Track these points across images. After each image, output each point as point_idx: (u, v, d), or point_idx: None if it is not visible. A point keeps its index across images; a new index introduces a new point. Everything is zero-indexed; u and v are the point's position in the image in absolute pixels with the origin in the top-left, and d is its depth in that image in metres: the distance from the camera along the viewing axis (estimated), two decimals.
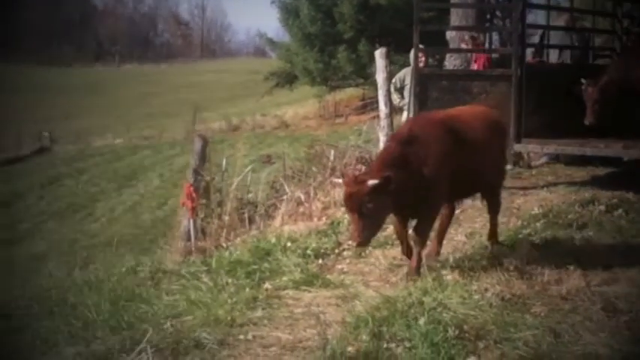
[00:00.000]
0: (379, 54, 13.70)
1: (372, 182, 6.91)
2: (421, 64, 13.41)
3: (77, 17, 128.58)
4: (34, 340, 6.54)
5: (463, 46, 15.19)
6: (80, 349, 6.06)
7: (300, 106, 53.40)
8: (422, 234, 7.77)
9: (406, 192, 7.29)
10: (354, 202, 6.96)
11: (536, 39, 15.24)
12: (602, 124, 11.90)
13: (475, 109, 9.21)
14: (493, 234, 8.90)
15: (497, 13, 34.04)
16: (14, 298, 8.95)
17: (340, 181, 7.55)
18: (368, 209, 6.92)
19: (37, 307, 7.72)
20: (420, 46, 13.00)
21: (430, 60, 15.24)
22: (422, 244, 7.80)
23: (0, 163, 45.19)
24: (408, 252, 7.91)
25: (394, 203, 7.29)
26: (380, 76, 13.54)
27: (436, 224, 8.38)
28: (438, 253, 8.41)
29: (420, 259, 7.73)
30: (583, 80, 11.82)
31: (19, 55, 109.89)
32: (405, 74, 14.20)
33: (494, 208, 8.94)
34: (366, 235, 7.11)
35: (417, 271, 7.65)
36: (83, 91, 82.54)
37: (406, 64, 14.79)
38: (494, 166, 8.67)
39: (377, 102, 14.50)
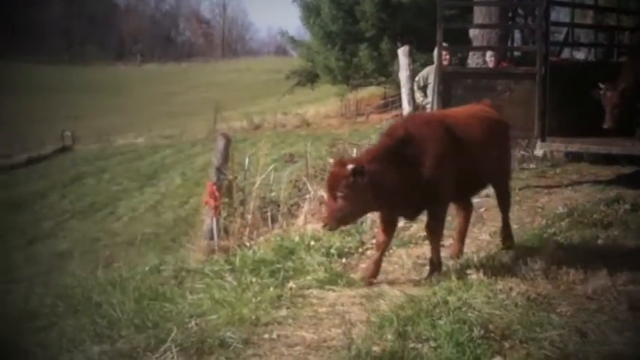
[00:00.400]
0: (402, 52, 13.66)
1: (351, 166, 7.01)
2: (445, 63, 13.37)
3: (99, 16, 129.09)
4: (60, 339, 6.55)
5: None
6: (106, 347, 6.06)
7: (322, 104, 53.40)
8: (434, 229, 7.84)
9: (400, 191, 7.35)
10: (332, 182, 7.11)
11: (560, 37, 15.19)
12: (620, 127, 11.86)
13: (474, 108, 9.10)
14: (507, 236, 8.91)
15: (520, 11, 34.01)
16: (39, 297, 8.99)
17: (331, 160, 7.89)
18: (342, 192, 7.00)
19: (62, 306, 7.72)
20: (444, 44, 12.95)
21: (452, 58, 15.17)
22: (437, 238, 7.94)
23: (23, 163, 45.48)
24: (375, 270, 7.78)
25: (385, 201, 7.37)
26: (403, 74, 13.51)
27: (455, 224, 8.75)
28: (460, 252, 8.45)
29: (439, 252, 7.90)
30: (601, 85, 11.73)
31: (41, 54, 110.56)
32: (429, 72, 14.16)
33: (503, 206, 8.98)
34: (335, 219, 7.19)
35: (439, 263, 7.85)
36: (105, 90, 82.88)
37: (428, 63, 14.74)
38: (496, 165, 8.63)
39: (398, 100, 14.46)
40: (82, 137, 53.10)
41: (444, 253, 8.32)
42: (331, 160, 7.93)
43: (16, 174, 42.02)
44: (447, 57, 13.71)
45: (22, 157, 47.45)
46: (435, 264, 7.83)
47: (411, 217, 8.20)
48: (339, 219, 7.24)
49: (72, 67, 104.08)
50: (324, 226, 7.38)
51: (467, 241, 9.32)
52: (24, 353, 6.52)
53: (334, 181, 7.07)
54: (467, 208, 8.70)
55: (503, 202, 8.96)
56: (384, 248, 7.87)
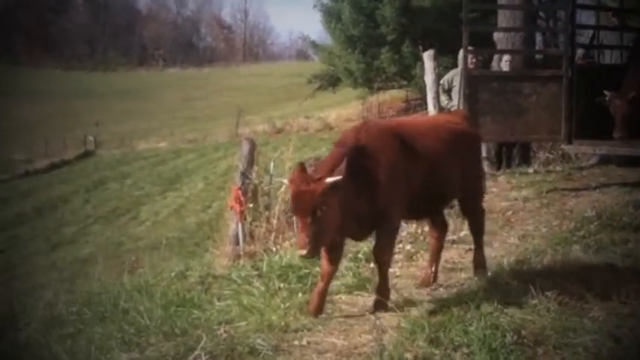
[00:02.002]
0: (427, 56, 13.59)
1: (330, 180, 6.13)
2: (471, 66, 13.33)
3: (122, 22, 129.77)
4: (88, 347, 6.50)
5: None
6: (134, 355, 6.03)
7: (343, 108, 53.34)
8: (382, 252, 6.96)
9: (354, 207, 6.54)
10: (307, 202, 6.10)
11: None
12: (631, 136, 11.56)
13: (440, 118, 8.53)
14: (478, 263, 8.01)
15: (541, 14, 33.83)
16: (65, 304, 8.97)
17: (286, 180, 6.44)
18: (323, 212, 6.12)
19: (89, 313, 7.69)
20: (470, 47, 12.90)
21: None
22: (386, 263, 7.03)
23: (46, 168, 45.70)
24: (320, 304, 6.86)
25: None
26: (428, 78, 13.43)
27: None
28: (433, 279, 7.81)
29: (387, 282, 7.03)
30: (606, 92, 11.36)
31: (64, 60, 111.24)
32: (453, 76, 14.11)
33: (474, 227, 8.18)
34: (316, 244, 6.19)
35: (386, 297, 6.96)
36: (127, 95, 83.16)
37: (450, 66, 14.67)
38: (460, 179, 7.71)
39: (420, 104, 14.47)
40: (104, 142, 53.31)
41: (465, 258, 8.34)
42: (285, 180, 6.65)
43: (39, 179, 42.19)
44: (474, 60, 13.65)
45: (44, 162, 47.65)
46: (383, 293, 6.96)
47: (361, 237, 7.32)
48: (320, 245, 6.29)
49: (95, 73, 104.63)
50: (305, 256, 6.26)
51: (495, 244, 9.28)
52: None
53: (309, 200, 6.08)
54: (441, 228, 8.00)
55: (473, 222, 8.18)
56: (329, 279, 6.88)
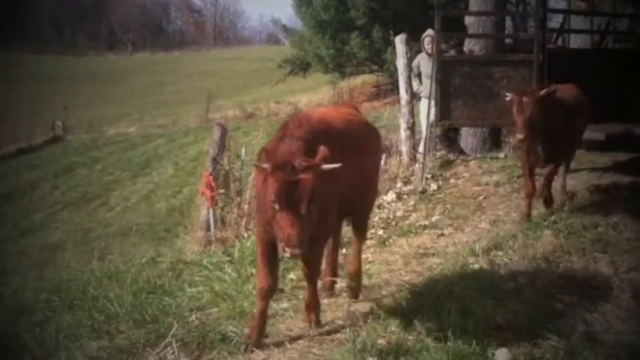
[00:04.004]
0: (399, 40, 13.56)
1: (328, 166, 5.28)
2: (429, 51, 13.42)
3: (90, 5, 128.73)
4: (57, 335, 6.43)
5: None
6: (104, 343, 5.99)
7: (314, 93, 53.27)
8: (315, 266, 6.15)
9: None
10: (302, 193, 5.17)
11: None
12: (535, 138, 9.63)
13: (343, 110, 7.20)
14: (354, 273, 6.99)
15: None
16: (33, 290, 8.88)
17: (266, 165, 5.28)
18: (316, 204, 5.24)
19: (57, 300, 7.60)
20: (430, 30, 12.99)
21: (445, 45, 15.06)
22: (315, 278, 6.25)
23: (13, 153, 45.28)
24: (261, 326, 5.91)
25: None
26: (400, 63, 13.41)
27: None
28: (334, 282, 7.04)
29: (316, 293, 6.26)
30: (507, 94, 9.77)
31: (32, 44, 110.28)
32: (419, 60, 14.07)
33: (361, 234, 7.15)
34: (306, 242, 5.24)
35: (318, 312, 6.23)
36: (96, 79, 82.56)
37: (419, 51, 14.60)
38: (368, 182, 6.95)
39: (392, 89, 14.37)
40: (73, 127, 52.82)
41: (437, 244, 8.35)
42: (266, 165, 5.31)
43: (6, 165, 41.79)
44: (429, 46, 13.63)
45: (12, 147, 47.13)
46: (314, 307, 6.21)
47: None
48: (307, 241, 5.27)
49: (62, 57, 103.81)
50: (296, 256, 5.27)
51: (467, 229, 9.31)
52: (20, 349, 6.42)
53: (305, 190, 5.17)
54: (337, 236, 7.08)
55: (364, 228, 7.25)
56: (269, 296, 5.95)
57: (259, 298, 5.90)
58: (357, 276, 6.93)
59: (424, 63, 13.74)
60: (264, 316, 5.91)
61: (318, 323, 6.14)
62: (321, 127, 5.93)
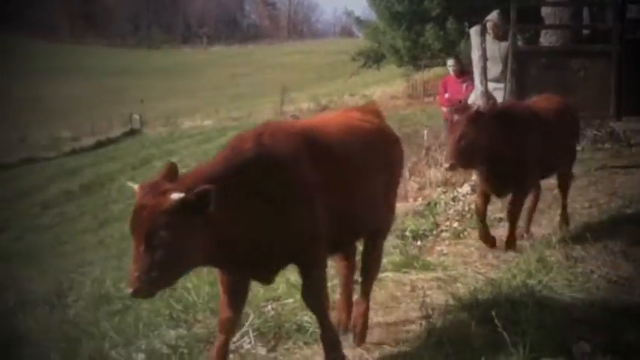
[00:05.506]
0: (474, 31, 13.46)
1: (176, 195, 4.43)
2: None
3: (166, 0, 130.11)
4: (136, 323, 6.57)
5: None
6: (182, 332, 6.08)
7: (388, 85, 53.10)
8: (314, 297, 5.25)
9: (251, 238, 4.82)
10: (143, 222, 4.41)
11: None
12: (467, 165, 8.28)
13: (350, 115, 6.16)
14: (361, 314, 5.87)
15: None
16: (113, 280, 9.05)
17: (136, 186, 4.62)
18: (162, 238, 4.39)
19: None
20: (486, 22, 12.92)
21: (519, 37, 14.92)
22: (324, 309, 5.35)
23: (92, 146, 45.98)
24: (219, 358, 5.24)
25: (225, 253, 4.78)
26: (475, 54, 13.30)
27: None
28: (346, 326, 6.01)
29: (332, 330, 5.40)
30: (444, 108, 8.61)
31: (108, 37, 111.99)
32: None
33: (369, 265, 6.06)
34: (151, 282, 4.42)
35: (337, 348, 5.34)
36: (172, 73, 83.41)
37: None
38: (377, 202, 5.89)
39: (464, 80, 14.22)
40: (149, 120, 53.43)
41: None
42: (135, 186, 4.64)
43: (85, 157, 42.45)
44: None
45: (91, 140, 47.91)
46: (331, 343, 5.32)
47: (266, 277, 5.29)
48: (157, 280, 4.45)
49: (138, 50, 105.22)
50: (134, 294, 4.48)
51: (544, 222, 9.21)
52: (100, 337, 6.57)
53: (146, 220, 4.40)
54: (350, 260, 6.17)
55: (373, 259, 6.09)
56: (231, 329, 5.28)
57: (218, 330, 5.31)
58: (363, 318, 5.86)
59: (489, 46, 13.64)
60: (223, 352, 5.25)
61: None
62: (284, 139, 5.10)
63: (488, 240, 8.28)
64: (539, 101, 8.90)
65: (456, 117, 7.64)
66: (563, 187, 9.18)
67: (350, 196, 5.43)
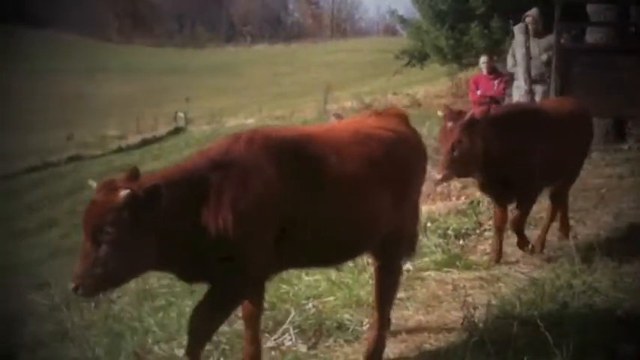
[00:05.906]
0: (518, 29, 13.37)
1: (125, 192, 4.37)
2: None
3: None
4: (179, 319, 6.60)
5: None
6: (224, 328, 6.06)
7: (432, 84, 52.83)
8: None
9: (194, 243, 4.63)
10: (92, 217, 4.37)
11: None
12: (465, 174, 8.04)
13: (368, 123, 5.74)
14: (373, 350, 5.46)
15: None
16: (156, 277, 9.08)
17: (95, 184, 4.58)
18: (108, 235, 4.33)
19: (179, 286, 7.76)
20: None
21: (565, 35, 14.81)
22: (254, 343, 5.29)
23: (138, 144, 46.26)
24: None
25: (168, 257, 4.63)
26: (519, 52, 13.22)
27: None
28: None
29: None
30: (439, 112, 7.92)
31: (154, 36, 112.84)
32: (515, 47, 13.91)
33: (382, 292, 5.58)
34: (93, 275, 4.35)
35: None
36: (216, 71, 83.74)
37: None
38: (387, 219, 5.35)
39: (510, 78, 14.12)
40: (194, 118, 53.72)
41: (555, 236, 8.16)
42: (94, 184, 4.61)
43: (131, 155, 42.73)
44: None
45: (137, 138, 48.22)
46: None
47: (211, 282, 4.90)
48: (100, 278, 4.37)
49: (184, 49, 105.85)
50: (75, 290, 4.36)
51: (588, 222, 9.11)
52: (144, 333, 6.61)
53: (95, 217, 4.37)
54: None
55: (383, 283, 5.59)
56: (252, 322, 5.25)
57: (244, 327, 5.32)
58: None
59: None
60: (254, 344, 5.26)
61: None
62: (261, 147, 4.84)
63: (522, 244, 7.95)
64: (551, 102, 8.80)
65: (449, 124, 7.32)
66: (562, 195, 8.59)
67: (339, 210, 5.02)
